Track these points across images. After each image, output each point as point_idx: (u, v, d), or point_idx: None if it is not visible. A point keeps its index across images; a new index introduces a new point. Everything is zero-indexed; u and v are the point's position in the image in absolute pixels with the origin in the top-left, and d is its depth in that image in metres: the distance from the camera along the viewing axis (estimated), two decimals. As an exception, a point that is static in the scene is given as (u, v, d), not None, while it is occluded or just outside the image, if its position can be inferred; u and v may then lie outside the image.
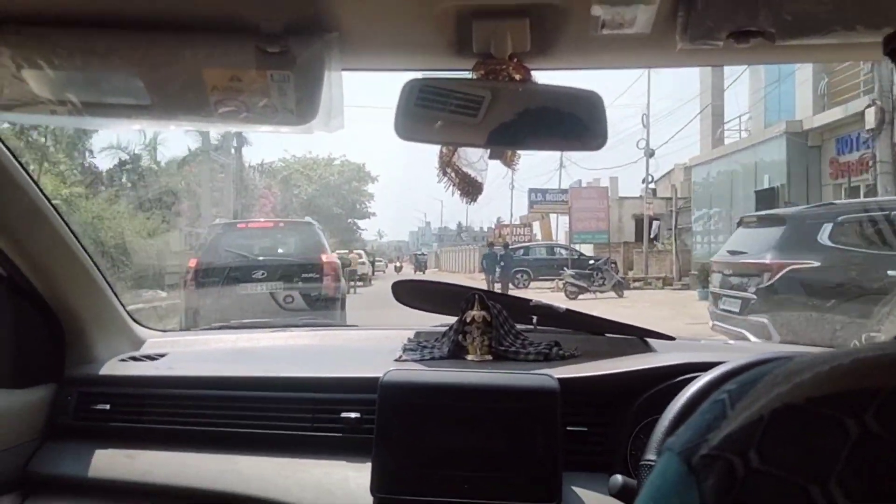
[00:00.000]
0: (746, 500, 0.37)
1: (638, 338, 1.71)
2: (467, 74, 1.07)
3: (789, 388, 0.39)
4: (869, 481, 0.34)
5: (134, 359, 1.66)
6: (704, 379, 1.14)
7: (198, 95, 1.12)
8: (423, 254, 48.12)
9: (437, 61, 1.12)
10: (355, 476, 1.34)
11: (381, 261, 40.18)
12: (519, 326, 1.69)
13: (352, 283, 15.05)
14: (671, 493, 0.41)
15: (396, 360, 1.57)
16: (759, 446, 0.38)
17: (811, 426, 0.37)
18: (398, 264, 38.04)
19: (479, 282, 18.23)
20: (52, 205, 1.43)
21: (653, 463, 1.02)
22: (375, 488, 1.30)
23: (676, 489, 0.41)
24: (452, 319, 1.67)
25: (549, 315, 1.72)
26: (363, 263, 22.20)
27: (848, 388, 0.37)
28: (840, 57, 0.96)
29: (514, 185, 32.26)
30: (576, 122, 1.05)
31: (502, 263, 18.43)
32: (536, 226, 29.56)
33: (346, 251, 17.37)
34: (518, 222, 32.06)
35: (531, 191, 28.16)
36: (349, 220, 38.54)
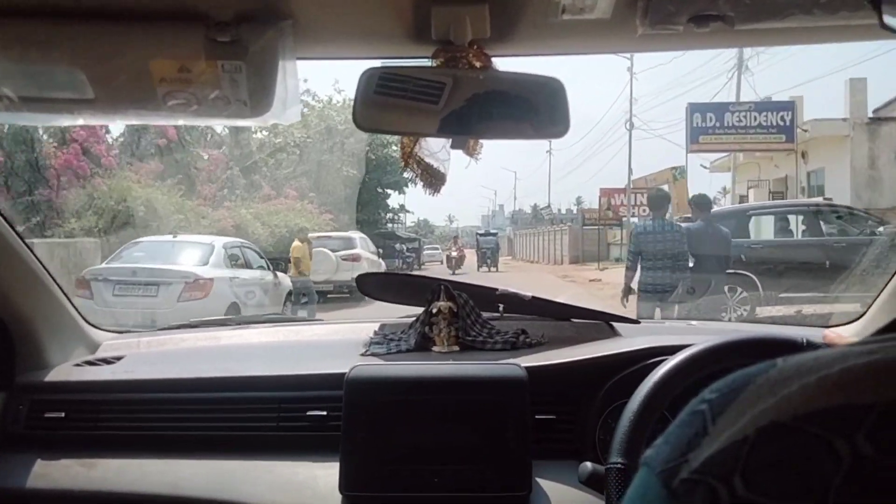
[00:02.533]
0: None
1: (604, 322, 1.72)
2: (427, 62, 1.04)
3: (775, 403, 0.36)
4: None
5: (89, 363, 1.60)
6: (670, 364, 1.15)
7: (145, 88, 1.07)
8: (490, 235, 30.39)
9: (395, 49, 1.10)
10: (323, 475, 1.32)
11: (435, 248, 35.66)
12: (485, 315, 1.68)
13: (302, 301, 9.70)
14: None
15: (362, 355, 1.55)
16: (744, 471, 0.35)
17: (800, 448, 0.35)
18: (454, 253, 24.63)
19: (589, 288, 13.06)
20: None
21: (620, 466, 1.01)
22: (344, 486, 1.28)
23: None
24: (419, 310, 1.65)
25: (515, 303, 1.72)
26: (326, 258, 12.25)
27: (837, 403, 0.35)
28: (799, 41, 0.97)
29: (633, 124, 21.94)
30: (538, 109, 1.04)
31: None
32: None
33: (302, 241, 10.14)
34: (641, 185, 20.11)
35: (692, 108, 15.35)
36: (378, 190, 23.62)
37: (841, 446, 0.33)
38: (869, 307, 1.60)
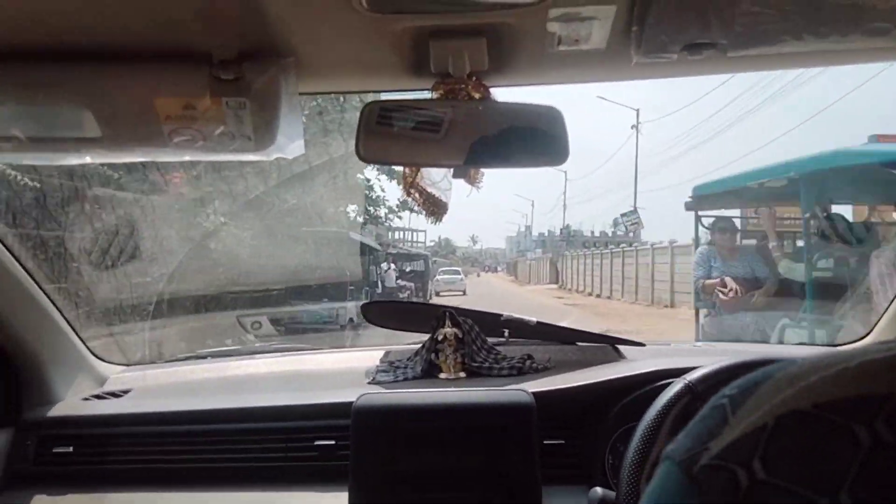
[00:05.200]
0: None
1: (609, 345, 1.72)
2: (427, 94, 1.06)
3: (794, 393, 0.37)
4: (882, 494, 0.33)
5: (97, 397, 1.60)
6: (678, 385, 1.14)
7: (151, 126, 1.09)
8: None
9: (395, 82, 1.12)
10: None
11: (456, 273, 27.99)
12: (491, 340, 1.68)
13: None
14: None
15: (369, 383, 1.55)
16: (764, 455, 0.36)
17: (819, 434, 0.35)
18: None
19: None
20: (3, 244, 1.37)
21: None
22: None
23: (677, 500, 0.39)
24: (425, 337, 1.65)
25: (520, 328, 1.72)
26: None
27: (857, 393, 0.35)
28: (790, 65, 0.98)
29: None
30: (538, 138, 1.05)
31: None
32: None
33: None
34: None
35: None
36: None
37: (860, 432, 0.34)
38: (874, 325, 1.60)
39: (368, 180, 14.27)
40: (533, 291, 29.68)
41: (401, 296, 14.32)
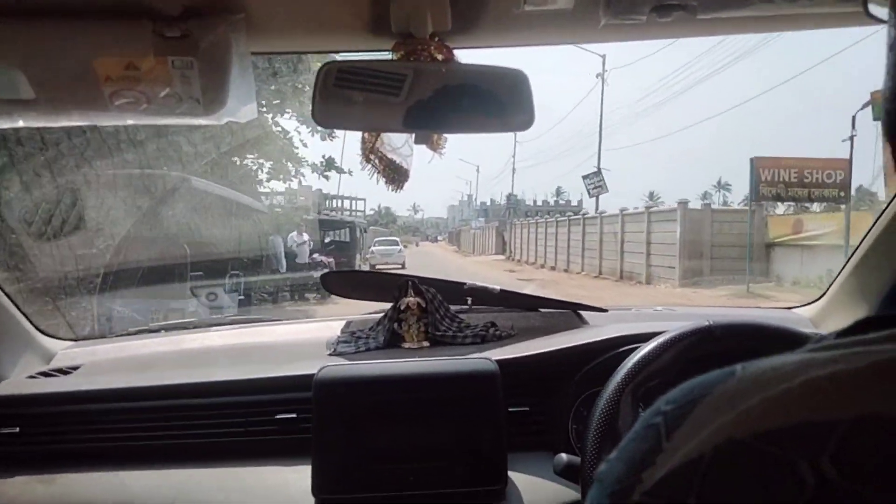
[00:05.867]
0: None
1: (572, 311, 1.73)
2: (387, 55, 1.01)
3: (734, 418, 0.34)
4: None
5: (44, 374, 1.53)
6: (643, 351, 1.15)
7: (89, 87, 1.02)
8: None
9: (353, 42, 1.07)
10: (295, 479, 1.29)
11: (394, 243, 24.57)
12: (454, 308, 1.67)
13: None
14: None
15: (330, 355, 1.52)
16: (701, 493, 0.33)
17: (760, 469, 0.32)
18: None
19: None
20: None
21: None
22: (317, 489, 1.25)
23: None
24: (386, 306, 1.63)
25: (484, 296, 1.71)
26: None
27: (799, 421, 0.32)
28: (759, 28, 0.97)
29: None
30: (503, 102, 1.02)
31: None
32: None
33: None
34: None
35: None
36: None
37: (804, 470, 0.31)
38: (828, 288, 1.64)
39: (287, 132, 11.84)
40: (479, 263, 27.80)
41: (315, 276, 10.67)
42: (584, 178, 21.75)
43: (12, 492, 1.33)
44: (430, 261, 26.72)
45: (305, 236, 13.03)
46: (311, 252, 13.13)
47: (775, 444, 0.32)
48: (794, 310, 1.78)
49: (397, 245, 24.81)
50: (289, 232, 13.00)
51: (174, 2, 0.93)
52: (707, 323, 1.16)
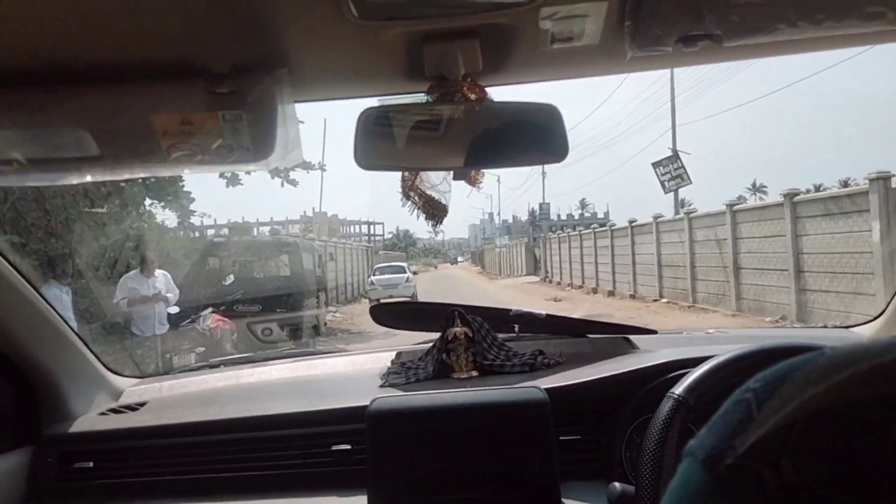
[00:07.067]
0: None
1: (621, 336, 1.71)
2: (422, 98, 1.06)
3: (825, 389, 0.35)
4: None
5: (114, 410, 1.62)
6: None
7: (149, 142, 1.09)
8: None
9: (390, 86, 1.11)
10: None
11: (399, 270, 19.98)
12: (501, 336, 1.68)
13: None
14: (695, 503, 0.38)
15: (381, 386, 1.55)
16: (793, 455, 0.34)
17: (852, 434, 0.33)
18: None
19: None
20: (7, 261, 1.39)
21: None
22: None
23: (701, 500, 0.37)
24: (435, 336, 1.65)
25: (530, 322, 1.71)
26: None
27: (890, 391, 0.34)
28: (788, 51, 0.97)
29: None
30: (536, 136, 1.04)
31: None
32: None
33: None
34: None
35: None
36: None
37: None
38: (888, 305, 1.58)
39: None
40: (511, 289, 22.95)
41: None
42: (656, 165, 16.50)
43: None
44: (450, 289, 22.27)
45: (158, 279, 6.91)
46: (200, 309, 7.58)
47: (868, 410, 0.34)
48: (852, 329, 1.72)
49: (403, 272, 20.00)
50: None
51: (224, 60, 1.00)
52: (759, 346, 1.14)
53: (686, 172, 16.18)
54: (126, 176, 1.20)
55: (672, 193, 16.97)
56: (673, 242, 15.35)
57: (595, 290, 19.76)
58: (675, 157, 16.73)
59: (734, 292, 12.53)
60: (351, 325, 13.48)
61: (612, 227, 19.42)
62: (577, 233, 23.38)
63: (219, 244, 11.46)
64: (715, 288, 13.45)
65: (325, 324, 12.14)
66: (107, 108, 1.07)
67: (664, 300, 15.45)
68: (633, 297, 16.99)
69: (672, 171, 16.35)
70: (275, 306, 8.82)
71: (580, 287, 21.26)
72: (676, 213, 16.61)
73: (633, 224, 17.43)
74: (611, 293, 18.42)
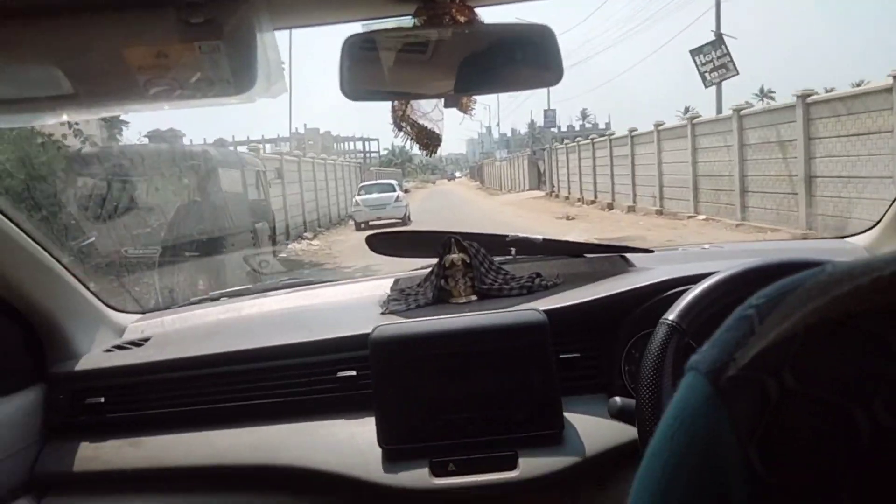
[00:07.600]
0: (782, 422, 0.34)
1: (617, 255, 1.71)
2: (409, 21, 1.00)
3: (827, 302, 0.35)
4: None
5: (118, 347, 1.64)
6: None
7: (125, 78, 1.04)
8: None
9: (375, 9, 1.05)
10: (361, 431, 1.37)
11: (388, 188, 17.89)
12: (498, 259, 1.68)
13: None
14: (698, 415, 0.38)
15: (382, 314, 1.57)
16: (795, 365, 0.35)
17: (853, 344, 0.34)
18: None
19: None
20: None
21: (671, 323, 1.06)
22: (383, 440, 1.32)
23: (704, 412, 0.38)
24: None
25: (527, 246, 1.71)
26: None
27: (891, 303, 0.34)
28: None
29: None
30: (529, 59, 1.00)
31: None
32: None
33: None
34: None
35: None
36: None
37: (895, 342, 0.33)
38: (883, 215, 1.57)
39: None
40: (515, 206, 21.00)
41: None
42: (695, 53, 13.35)
43: (106, 455, 1.45)
44: (446, 209, 20.45)
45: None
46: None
47: (867, 322, 0.34)
48: (847, 239, 1.72)
49: (392, 190, 17.92)
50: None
51: None
52: (757, 262, 1.14)
53: (732, 61, 13.32)
54: (104, 114, 1.16)
55: (714, 87, 14.04)
56: (713, 148, 12.95)
57: (611, 206, 17.69)
58: (720, 41, 13.62)
59: (803, 207, 10.24)
60: (326, 258, 11.60)
61: (633, 134, 16.90)
62: (588, 141, 21.14)
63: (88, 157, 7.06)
64: (773, 202, 11.13)
65: (275, 255, 10.36)
66: (77, 41, 1.01)
67: (701, 216, 13.44)
68: (659, 213, 15.15)
69: (715, 59, 13.43)
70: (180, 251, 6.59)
71: (593, 202, 19.13)
72: (719, 111, 13.94)
73: (661, 128, 15.13)
74: (631, 209, 16.50)
